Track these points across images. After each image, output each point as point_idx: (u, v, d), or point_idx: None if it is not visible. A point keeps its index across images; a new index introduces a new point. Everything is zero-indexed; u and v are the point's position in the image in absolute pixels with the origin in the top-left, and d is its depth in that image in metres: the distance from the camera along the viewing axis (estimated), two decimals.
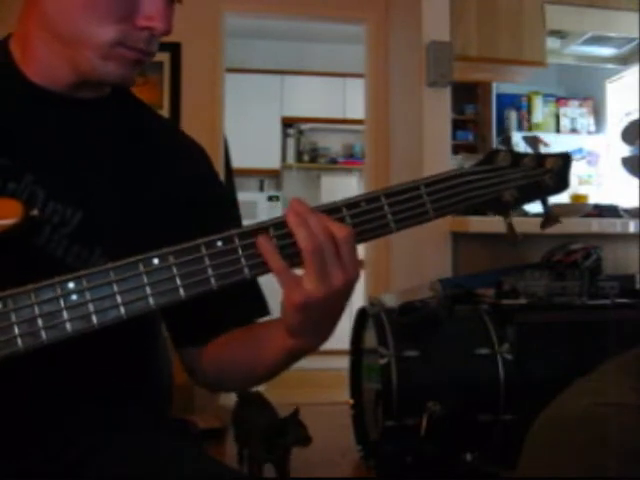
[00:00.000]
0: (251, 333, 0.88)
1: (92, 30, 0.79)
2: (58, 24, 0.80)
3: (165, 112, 3.39)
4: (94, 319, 0.69)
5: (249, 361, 0.85)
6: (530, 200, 0.81)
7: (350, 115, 5.52)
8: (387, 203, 0.74)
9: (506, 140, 0.83)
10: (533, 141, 0.83)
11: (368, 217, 0.74)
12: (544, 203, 0.82)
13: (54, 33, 0.81)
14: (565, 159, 0.81)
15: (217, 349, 0.89)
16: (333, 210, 0.73)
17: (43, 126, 0.84)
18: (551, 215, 0.83)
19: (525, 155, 0.81)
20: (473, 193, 0.78)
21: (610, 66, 4.08)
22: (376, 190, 0.75)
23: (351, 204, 0.74)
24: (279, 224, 0.72)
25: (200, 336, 0.90)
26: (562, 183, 0.81)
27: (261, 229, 0.72)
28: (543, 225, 0.84)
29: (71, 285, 0.69)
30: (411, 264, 3.19)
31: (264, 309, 0.94)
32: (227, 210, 0.98)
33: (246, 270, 0.71)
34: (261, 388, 4.26)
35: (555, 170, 0.80)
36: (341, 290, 0.71)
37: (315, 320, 0.73)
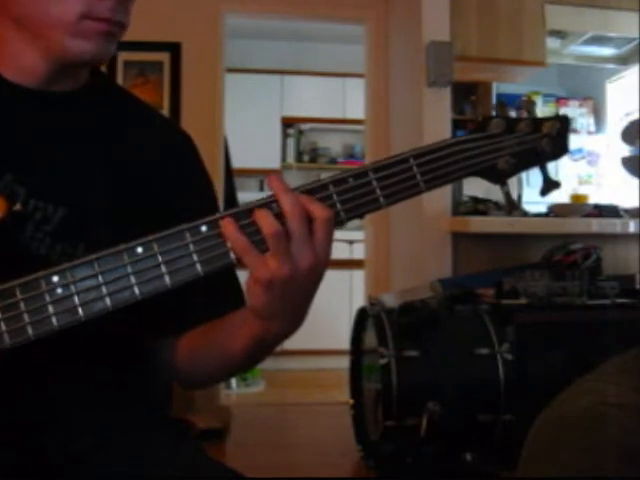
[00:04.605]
0: (221, 322, 0.86)
1: (55, 9, 0.78)
2: (20, 11, 0.79)
3: (165, 112, 3.39)
4: (80, 312, 0.69)
5: (220, 350, 0.84)
6: (527, 167, 0.77)
7: (350, 115, 5.51)
8: (375, 178, 0.73)
9: (500, 106, 0.79)
10: (529, 104, 0.79)
11: (356, 193, 0.72)
12: (542, 170, 0.79)
13: (18, 21, 0.80)
14: (563, 122, 0.78)
15: (190, 340, 0.88)
16: (320, 187, 0.72)
17: (20, 124, 0.83)
18: (550, 181, 0.80)
19: (520, 120, 0.77)
20: (465, 162, 0.75)
21: (610, 66, 4.08)
22: (364, 165, 0.74)
23: (338, 180, 0.72)
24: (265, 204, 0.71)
25: (178, 325, 0.89)
26: (560, 148, 0.78)
27: (245, 210, 0.71)
28: (543, 192, 0.80)
29: (55, 279, 0.69)
30: (411, 264, 3.19)
31: (242, 301, 0.91)
32: (212, 204, 0.97)
33: (232, 254, 0.70)
34: (260, 389, 4.27)
35: (553, 134, 0.77)
36: (308, 272, 0.69)
37: (280, 302, 0.71)
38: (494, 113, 0.78)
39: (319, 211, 0.69)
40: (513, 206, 0.79)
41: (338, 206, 0.72)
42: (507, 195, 0.79)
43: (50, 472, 0.80)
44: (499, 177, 0.77)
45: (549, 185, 0.80)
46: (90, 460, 0.80)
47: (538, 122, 0.77)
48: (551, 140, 0.77)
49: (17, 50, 0.82)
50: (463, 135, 0.76)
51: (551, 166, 0.81)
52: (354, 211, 0.72)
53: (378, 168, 0.73)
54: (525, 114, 0.79)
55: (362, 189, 0.73)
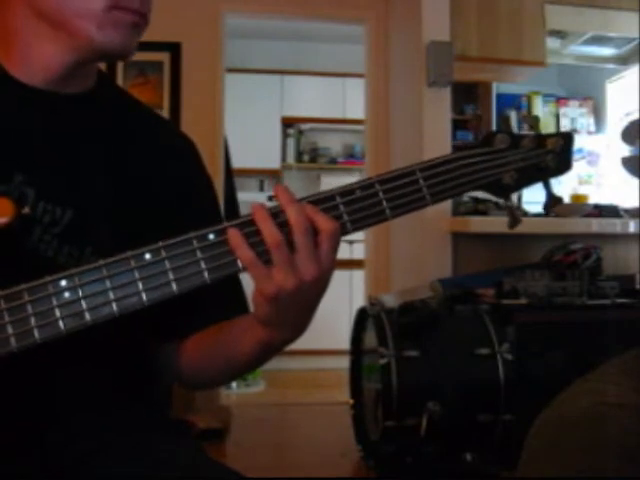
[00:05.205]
0: (226, 326, 0.86)
1: None
2: (45, 3, 0.78)
3: (165, 112, 3.39)
4: (87, 316, 0.69)
5: (225, 354, 0.84)
6: (531, 182, 0.78)
7: (350, 115, 5.51)
8: (382, 190, 0.73)
9: (505, 121, 0.80)
10: (533, 121, 0.80)
11: (363, 204, 0.73)
12: (546, 185, 0.80)
13: (43, 14, 0.79)
14: (566, 138, 0.79)
15: (194, 344, 0.89)
16: (327, 199, 0.72)
17: (30, 126, 0.83)
18: (554, 197, 0.81)
19: (525, 136, 0.78)
20: (471, 177, 0.76)
21: (610, 66, 4.08)
22: (371, 177, 0.74)
23: (345, 192, 0.73)
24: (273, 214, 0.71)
25: (181, 330, 0.89)
26: (564, 164, 0.79)
27: (251, 220, 0.71)
28: (546, 207, 0.81)
29: (63, 283, 0.69)
30: (411, 264, 3.19)
31: (245, 306, 0.92)
32: (213, 207, 0.97)
33: (239, 263, 0.71)
34: (260, 389, 4.27)
35: (556, 151, 0.78)
36: (313, 284, 0.70)
37: (286, 312, 0.72)
38: (497, 128, 0.79)
39: (325, 223, 0.70)
40: (516, 221, 0.79)
41: (345, 217, 0.72)
42: (510, 210, 0.80)
43: (51, 473, 0.80)
44: (503, 192, 0.78)
45: (553, 201, 0.81)
46: (91, 461, 0.80)
47: (542, 138, 0.78)
48: (555, 156, 0.78)
49: (31, 43, 0.81)
50: (466, 141, 0.77)
51: None
52: (360, 222, 0.73)
53: (384, 180, 0.74)
54: (528, 129, 0.80)
55: (369, 200, 0.73)
